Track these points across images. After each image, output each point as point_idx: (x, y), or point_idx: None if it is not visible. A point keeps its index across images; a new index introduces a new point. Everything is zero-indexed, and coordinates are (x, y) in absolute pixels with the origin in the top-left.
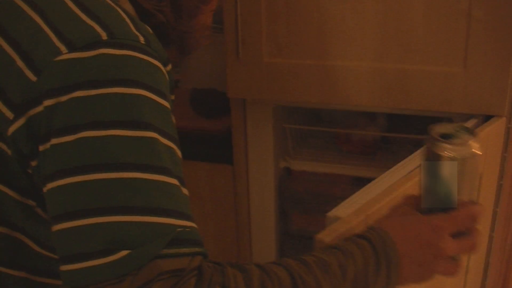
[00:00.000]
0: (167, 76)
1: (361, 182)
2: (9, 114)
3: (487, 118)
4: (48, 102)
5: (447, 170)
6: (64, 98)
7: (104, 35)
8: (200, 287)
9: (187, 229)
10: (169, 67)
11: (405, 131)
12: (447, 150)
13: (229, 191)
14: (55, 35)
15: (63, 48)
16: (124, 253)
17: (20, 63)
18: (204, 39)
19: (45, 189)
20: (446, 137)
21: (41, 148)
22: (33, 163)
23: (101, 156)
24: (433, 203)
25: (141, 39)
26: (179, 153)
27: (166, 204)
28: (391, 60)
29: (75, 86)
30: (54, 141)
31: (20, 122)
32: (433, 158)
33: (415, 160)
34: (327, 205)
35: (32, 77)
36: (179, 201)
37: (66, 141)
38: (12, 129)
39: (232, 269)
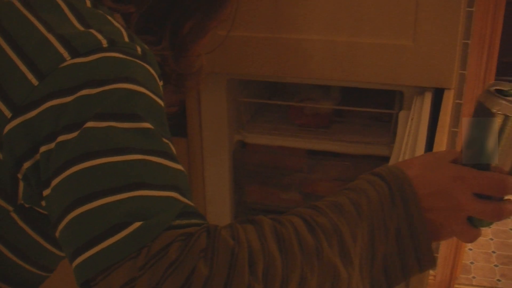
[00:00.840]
0: (161, 88)
1: (315, 154)
2: (7, 113)
3: (437, 91)
4: (52, 103)
5: (494, 126)
6: (69, 98)
7: (104, 43)
8: (211, 240)
9: (192, 205)
10: (161, 82)
11: (358, 104)
12: (499, 106)
13: (184, 164)
14: (58, 42)
15: (66, 55)
16: (136, 224)
17: (23, 67)
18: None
19: (47, 190)
20: (501, 93)
21: (43, 148)
22: (27, 164)
23: (104, 143)
24: (470, 159)
25: (139, 49)
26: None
27: (172, 181)
28: (342, 34)
29: (79, 86)
30: (61, 138)
31: (18, 121)
32: (482, 113)
33: None
34: (281, 178)
35: (34, 81)
36: (183, 181)
37: (72, 136)
38: (8, 127)
39: (241, 223)
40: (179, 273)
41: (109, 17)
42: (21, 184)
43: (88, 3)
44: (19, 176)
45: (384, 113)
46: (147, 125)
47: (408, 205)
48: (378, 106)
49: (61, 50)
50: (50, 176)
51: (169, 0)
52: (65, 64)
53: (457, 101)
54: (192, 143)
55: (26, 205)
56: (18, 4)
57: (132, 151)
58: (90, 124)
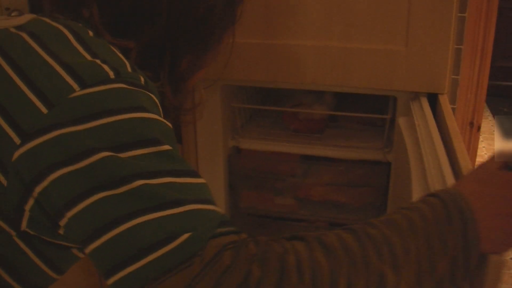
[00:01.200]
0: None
1: (308, 159)
2: (17, 140)
3: (430, 96)
4: (62, 131)
5: None
6: (81, 127)
7: (111, 74)
8: (261, 248)
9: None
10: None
11: (352, 110)
12: None
13: None
14: (66, 73)
15: (75, 86)
16: (185, 236)
17: (32, 96)
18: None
19: (69, 213)
20: None
21: (57, 174)
22: (38, 189)
23: (133, 168)
24: None
25: (142, 79)
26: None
27: (204, 195)
28: (334, 38)
29: (92, 116)
30: (75, 166)
31: (27, 147)
32: None
33: None
34: (276, 183)
35: (44, 109)
36: (210, 193)
37: (89, 163)
38: (17, 153)
39: (286, 238)
40: (235, 276)
41: (112, 47)
42: (26, 213)
43: (91, 33)
44: (26, 206)
45: (378, 118)
46: (166, 147)
47: (466, 224)
48: (371, 111)
49: (70, 81)
50: (68, 202)
51: (167, 36)
52: (74, 94)
53: (451, 106)
54: (187, 149)
55: (31, 232)
56: (26, 36)
57: (163, 173)
58: (107, 153)
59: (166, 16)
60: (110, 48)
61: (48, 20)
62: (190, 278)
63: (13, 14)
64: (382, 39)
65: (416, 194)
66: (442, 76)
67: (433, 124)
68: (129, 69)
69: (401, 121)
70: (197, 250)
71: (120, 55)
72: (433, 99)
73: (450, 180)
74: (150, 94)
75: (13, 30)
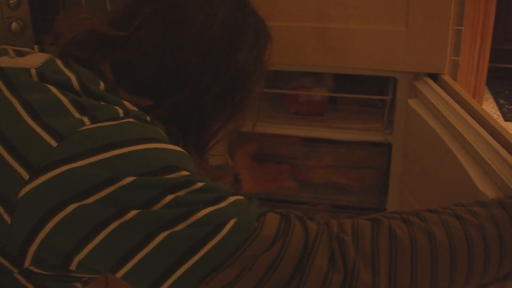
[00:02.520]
0: None
1: (309, 142)
2: (25, 175)
3: (431, 76)
4: (74, 165)
5: None
6: (93, 159)
7: (121, 112)
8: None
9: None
10: None
11: (351, 91)
12: None
13: None
14: (75, 109)
15: (86, 120)
16: (232, 221)
17: (40, 131)
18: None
19: (88, 247)
20: None
21: (67, 210)
22: (47, 228)
23: (154, 191)
24: None
25: (148, 118)
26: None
27: (227, 190)
28: (333, 20)
29: (103, 147)
30: (90, 200)
31: (36, 183)
32: None
33: None
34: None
35: (53, 143)
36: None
37: (111, 191)
38: (25, 189)
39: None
40: (300, 234)
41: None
42: (30, 253)
43: (102, 86)
44: (31, 247)
45: (378, 99)
46: (185, 173)
47: None
48: (371, 93)
49: (79, 116)
50: (90, 232)
51: (193, 102)
52: (85, 128)
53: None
54: None
55: (35, 270)
56: (33, 73)
57: (189, 188)
58: (129, 179)
59: (192, 85)
60: (118, 99)
61: (61, 65)
62: (262, 251)
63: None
64: (381, 20)
65: (469, 168)
66: (443, 56)
67: (451, 101)
68: (136, 109)
69: (412, 104)
70: (249, 230)
71: (128, 103)
72: (433, 79)
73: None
74: (159, 129)
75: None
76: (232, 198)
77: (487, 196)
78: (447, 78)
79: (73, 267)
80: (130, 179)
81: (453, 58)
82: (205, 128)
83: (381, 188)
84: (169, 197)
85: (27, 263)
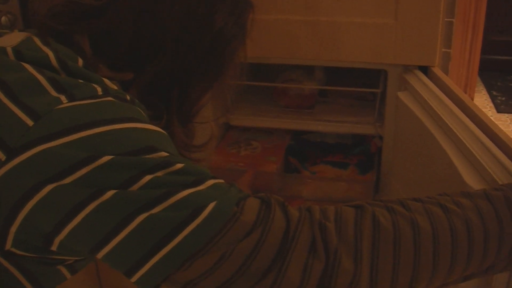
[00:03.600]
0: None
1: (299, 135)
2: (1, 156)
3: (421, 69)
4: (47, 145)
5: None
6: (68, 138)
7: (99, 90)
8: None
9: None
10: None
11: (342, 84)
12: None
13: None
14: (52, 87)
15: (63, 98)
16: (211, 205)
17: (16, 110)
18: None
19: (67, 228)
20: None
21: (45, 191)
22: (26, 209)
23: (135, 169)
24: None
25: (128, 97)
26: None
27: (207, 173)
28: (323, 13)
29: (80, 127)
30: (67, 180)
31: (12, 163)
32: None
33: None
34: None
35: (29, 122)
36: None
37: (88, 170)
38: (2, 171)
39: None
40: (280, 220)
41: (104, 79)
42: (11, 234)
43: (81, 62)
44: (11, 228)
45: (368, 92)
46: (164, 153)
47: None
48: (362, 86)
49: (57, 94)
50: (69, 213)
51: (173, 70)
52: (62, 106)
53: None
54: None
55: (17, 252)
56: (10, 51)
57: (168, 168)
58: (107, 158)
59: (171, 51)
60: (98, 76)
61: (39, 42)
62: (242, 236)
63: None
64: (371, 12)
65: (456, 161)
66: (433, 48)
67: (444, 97)
68: (116, 88)
69: (402, 96)
70: (228, 214)
71: (108, 81)
72: (424, 72)
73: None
74: (139, 109)
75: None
76: (211, 181)
77: (474, 189)
78: (437, 70)
79: (54, 247)
80: (107, 158)
81: (444, 50)
82: (187, 95)
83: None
84: (147, 178)
85: (8, 245)
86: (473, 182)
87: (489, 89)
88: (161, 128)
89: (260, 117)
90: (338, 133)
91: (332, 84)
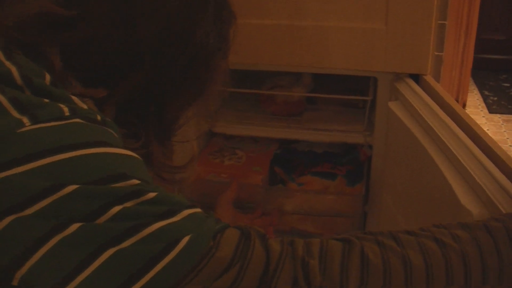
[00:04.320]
0: None
1: (286, 144)
2: None
3: (411, 76)
4: (10, 172)
5: None
6: (30, 166)
7: (66, 111)
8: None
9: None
10: None
11: (331, 91)
12: None
13: None
14: (13, 108)
15: (25, 120)
16: (185, 239)
17: None
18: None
19: (29, 262)
20: None
21: (10, 218)
22: None
23: (104, 198)
24: None
25: (98, 117)
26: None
27: (183, 201)
28: (309, 18)
29: (43, 153)
30: (29, 211)
31: None
32: None
33: None
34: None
35: None
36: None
37: (51, 201)
38: None
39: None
40: (260, 256)
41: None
42: None
43: (48, 79)
44: None
45: (358, 99)
46: (135, 181)
47: None
48: (352, 93)
49: (19, 116)
50: (31, 246)
51: (151, 86)
52: (24, 129)
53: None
54: None
55: None
56: None
57: (139, 197)
58: (73, 187)
59: (149, 65)
60: (66, 94)
61: (1, 57)
62: (218, 274)
63: None
64: (360, 17)
65: (451, 179)
66: (425, 55)
67: (437, 108)
68: (85, 107)
69: (393, 106)
70: (204, 248)
71: (78, 100)
72: (415, 80)
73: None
74: (111, 130)
75: None
76: (187, 212)
77: (471, 212)
78: (429, 79)
79: (15, 282)
80: (72, 188)
81: (436, 54)
82: (166, 112)
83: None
84: (116, 209)
85: None
86: (465, 197)
87: (481, 88)
88: (138, 147)
89: (246, 125)
90: (326, 142)
91: (321, 90)
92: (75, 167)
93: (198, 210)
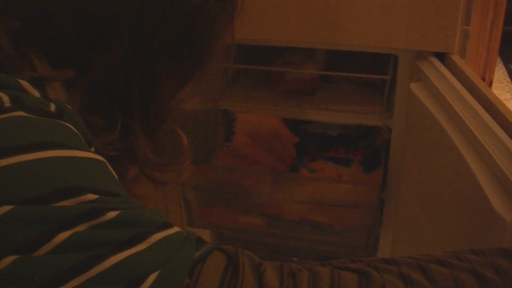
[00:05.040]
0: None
1: (298, 125)
2: None
3: (437, 55)
4: None
5: None
6: None
7: (6, 101)
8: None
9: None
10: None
11: (347, 68)
12: None
13: None
14: None
15: None
16: (152, 277)
17: None
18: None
19: None
20: None
21: None
22: None
23: (48, 219)
24: None
25: (53, 106)
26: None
27: (159, 218)
28: None
29: None
30: None
31: None
32: None
33: None
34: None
35: None
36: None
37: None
38: None
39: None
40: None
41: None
42: None
43: None
44: None
45: (377, 78)
46: (91, 197)
47: None
48: (370, 70)
49: None
50: None
51: (131, 61)
52: None
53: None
54: None
55: None
56: None
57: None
58: (6, 208)
59: (129, 36)
60: (11, 79)
61: None
62: None
63: None
64: None
65: (480, 175)
66: (452, 32)
67: (462, 89)
68: (37, 95)
69: (414, 88)
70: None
71: (28, 85)
72: (440, 59)
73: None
74: (69, 125)
75: None
76: (158, 235)
77: (504, 220)
78: (456, 58)
79: None
80: (4, 209)
81: (463, 28)
82: (154, 96)
83: (369, 228)
84: (63, 236)
85: None
86: (498, 201)
87: (506, 62)
88: (117, 141)
89: (254, 104)
90: (341, 123)
91: (336, 67)
92: (9, 181)
93: (174, 230)
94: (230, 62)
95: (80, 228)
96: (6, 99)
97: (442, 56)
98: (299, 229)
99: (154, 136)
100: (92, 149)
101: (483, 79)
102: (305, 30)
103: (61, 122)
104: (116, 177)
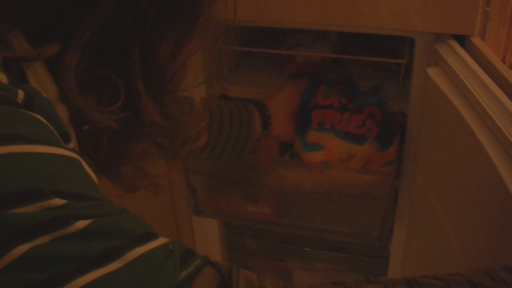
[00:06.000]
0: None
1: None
2: None
3: (457, 38)
4: None
5: None
6: None
7: None
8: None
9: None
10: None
11: (360, 51)
12: None
13: None
14: None
15: None
16: None
17: None
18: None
19: None
20: None
21: None
22: None
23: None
24: None
25: (21, 94)
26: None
27: (142, 228)
28: None
29: None
30: None
31: None
32: None
33: None
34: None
35: None
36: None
37: None
38: None
39: None
40: None
41: None
42: None
43: None
44: None
45: (392, 62)
46: (57, 202)
47: None
48: (384, 53)
49: None
50: None
51: (124, 17)
52: None
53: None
54: None
55: None
56: None
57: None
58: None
59: None
60: None
61: None
62: None
63: None
64: None
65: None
66: (473, 13)
67: (484, 75)
68: (3, 80)
69: (431, 73)
70: None
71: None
72: (460, 42)
73: None
74: (38, 116)
75: None
76: (135, 252)
77: None
78: (477, 41)
79: None
80: None
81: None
82: (155, 55)
83: (382, 219)
84: (21, 249)
85: None
86: None
87: None
88: (120, 112)
89: (262, 88)
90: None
91: (348, 50)
92: None
93: (155, 244)
94: (235, 41)
95: (42, 240)
96: None
97: (461, 39)
98: (309, 219)
99: (161, 100)
100: (71, 143)
101: (503, 62)
102: (316, 11)
103: (28, 112)
104: (94, 176)
